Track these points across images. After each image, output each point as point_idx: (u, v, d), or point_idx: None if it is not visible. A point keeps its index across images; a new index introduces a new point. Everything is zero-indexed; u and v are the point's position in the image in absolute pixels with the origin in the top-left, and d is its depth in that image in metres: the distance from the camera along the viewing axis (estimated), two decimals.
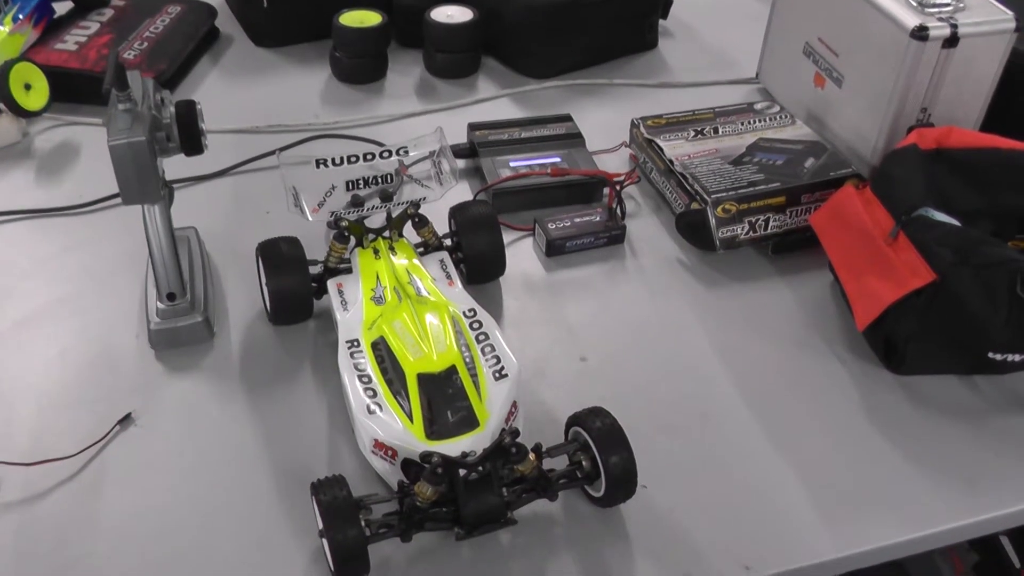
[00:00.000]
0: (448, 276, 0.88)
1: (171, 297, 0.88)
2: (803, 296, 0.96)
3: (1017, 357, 0.84)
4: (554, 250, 1.00)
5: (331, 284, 0.87)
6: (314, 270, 0.89)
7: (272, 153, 1.12)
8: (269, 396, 0.84)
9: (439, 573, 0.71)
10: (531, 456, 0.71)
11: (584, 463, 0.73)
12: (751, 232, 0.98)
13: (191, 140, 0.84)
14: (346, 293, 0.86)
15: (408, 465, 0.73)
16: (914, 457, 0.81)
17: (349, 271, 0.88)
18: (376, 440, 0.73)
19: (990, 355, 0.84)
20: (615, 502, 0.74)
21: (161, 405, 0.83)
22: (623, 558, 0.72)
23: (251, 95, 1.26)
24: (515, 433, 0.70)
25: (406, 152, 0.90)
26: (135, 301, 0.93)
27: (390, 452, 0.73)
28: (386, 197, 0.90)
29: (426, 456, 0.69)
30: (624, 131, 1.16)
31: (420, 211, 0.90)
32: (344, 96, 1.26)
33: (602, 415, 0.73)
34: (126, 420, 0.81)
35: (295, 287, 0.87)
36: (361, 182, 0.89)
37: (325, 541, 0.68)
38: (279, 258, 0.87)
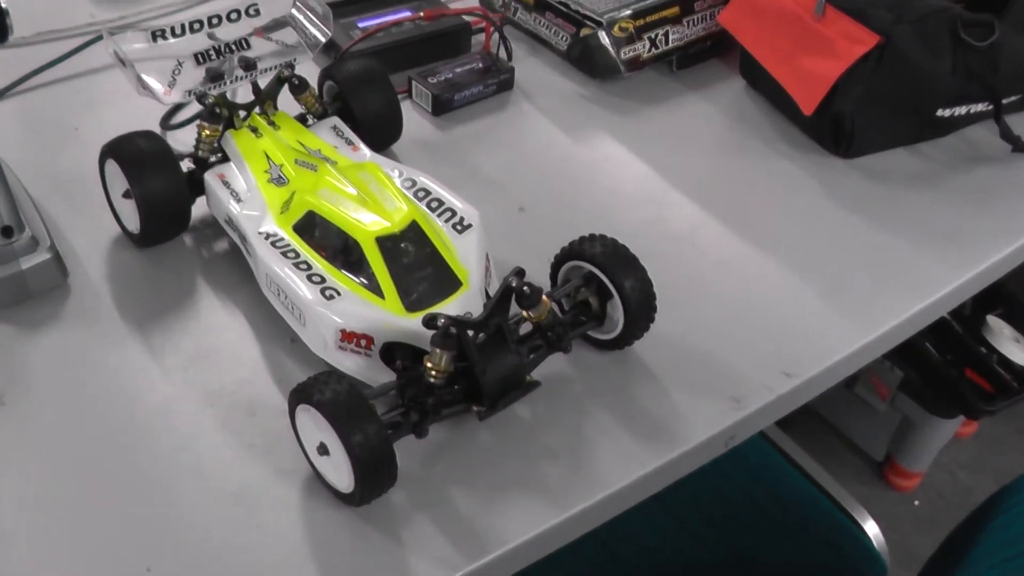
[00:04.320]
0: (349, 141, 0.73)
1: (7, 232, 0.67)
2: (722, 106, 0.89)
3: (962, 109, 0.81)
4: (441, 106, 0.86)
5: (210, 177, 0.70)
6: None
7: (52, 64, 0.89)
8: (168, 329, 0.67)
9: (469, 467, 0.58)
10: (544, 298, 0.59)
11: (591, 301, 0.63)
12: (652, 49, 0.89)
13: None
14: (233, 184, 0.69)
15: (390, 351, 0.59)
16: (893, 230, 0.77)
17: (223, 161, 0.72)
18: (343, 331, 0.58)
19: (939, 112, 0.80)
20: (634, 336, 0.64)
21: (29, 373, 0.64)
22: (661, 397, 0.62)
23: None
24: (521, 273, 0.58)
25: (257, 10, 0.74)
26: None
27: (364, 341, 0.59)
28: (248, 66, 0.73)
29: (430, 320, 0.55)
30: None
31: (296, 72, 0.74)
32: None
33: (600, 239, 0.63)
34: None
35: (171, 189, 0.69)
36: (212, 53, 0.72)
37: (329, 456, 0.53)
38: (142, 157, 0.68)
